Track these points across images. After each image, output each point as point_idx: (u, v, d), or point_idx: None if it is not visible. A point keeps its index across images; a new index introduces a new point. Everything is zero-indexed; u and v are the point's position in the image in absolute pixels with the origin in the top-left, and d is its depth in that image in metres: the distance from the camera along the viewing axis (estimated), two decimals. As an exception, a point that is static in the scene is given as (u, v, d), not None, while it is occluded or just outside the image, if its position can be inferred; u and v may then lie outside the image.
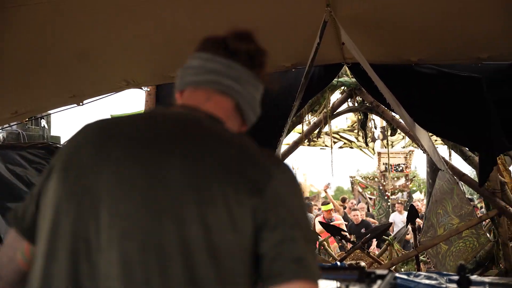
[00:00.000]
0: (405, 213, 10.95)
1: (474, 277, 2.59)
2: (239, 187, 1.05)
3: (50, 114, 7.01)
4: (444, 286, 2.28)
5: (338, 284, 1.46)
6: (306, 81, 4.15)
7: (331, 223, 8.76)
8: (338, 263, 2.57)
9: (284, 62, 4.64)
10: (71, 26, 3.68)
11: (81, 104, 5.25)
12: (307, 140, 6.84)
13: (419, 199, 17.14)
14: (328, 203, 9.77)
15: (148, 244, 1.00)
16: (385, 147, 12.41)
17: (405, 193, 17.28)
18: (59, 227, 1.06)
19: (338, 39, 3.98)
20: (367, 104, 6.10)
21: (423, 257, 6.33)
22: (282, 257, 1.02)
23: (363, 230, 8.81)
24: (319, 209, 11.48)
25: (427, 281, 2.36)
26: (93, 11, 3.52)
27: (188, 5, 3.65)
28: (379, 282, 1.55)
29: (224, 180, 1.05)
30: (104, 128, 1.16)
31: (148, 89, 5.40)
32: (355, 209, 10.41)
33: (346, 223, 9.96)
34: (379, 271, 1.61)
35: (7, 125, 6.10)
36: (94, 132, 1.15)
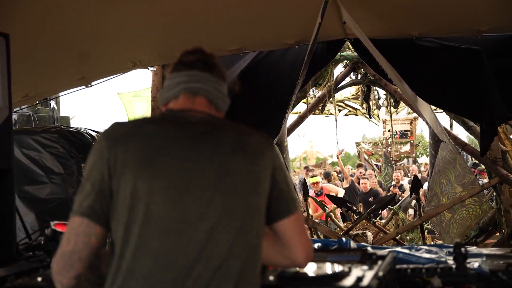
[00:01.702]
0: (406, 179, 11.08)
1: (472, 249, 2.71)
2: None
3: (60, 96, 7.13)
4: (443, 259, 2.39)
5: (341, 266, 1.59)
6: (309, 59, 4.23)
7: (320, 196, 8.94)
8: (344, 239, 2.70)
9: (288, 39, 4.70)
10: (78, 10, 3.75)
11: (89, 85, 5.35)
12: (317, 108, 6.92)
13: (425, 163, 17.21)
14: (315, 176, 9.94)
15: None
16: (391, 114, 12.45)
17: (410, 159, 17.43)
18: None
19: (340, 17, 4.04)
20: (370, 77, 6.17)
21: (428, 225, 6.48)
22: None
23: (371, 199, 8.95)
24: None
25: (427, 255, 2.48)
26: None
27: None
28: (379, 262, 1.68)
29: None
30: (161, 131, 1.51)
31: (155, 69, 5.48)
32: (364, 178, 10.50)
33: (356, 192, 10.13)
34: (380, 252, 1.74)
35: (18, 108, 6.23)
36: (153, 130, 1.50)
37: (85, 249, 1.45)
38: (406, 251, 2.59)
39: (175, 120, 1.54)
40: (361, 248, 2.13)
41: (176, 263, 1.40)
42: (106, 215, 1.46)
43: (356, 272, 1.57)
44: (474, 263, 2.33)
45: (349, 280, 1.48)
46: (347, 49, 5.93)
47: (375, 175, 14.19)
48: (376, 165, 17.80)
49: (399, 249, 2.64)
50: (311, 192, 9.50)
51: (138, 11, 3.95)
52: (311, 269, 1.63)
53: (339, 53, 5.84)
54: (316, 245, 2.81)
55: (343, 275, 1.52)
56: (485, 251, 2.74)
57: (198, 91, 1.63)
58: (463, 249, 2.00)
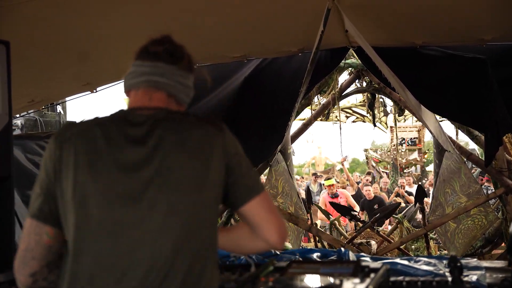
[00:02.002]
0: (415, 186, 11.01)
1: (472, 261, 2.69)
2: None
3: (66, 100, 7.17)
4: (441, 272, 2.37)
5: (332, 279, 1.57)
6: (312, 67, 4.22)
7: (336, 198, 8.94)
8: (342, 249, 2.69)
9: (291, 47, 4.71)
10: (82, 16, 3.77)
11: (94, 91, 5.38)
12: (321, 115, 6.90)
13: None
14: (330, 179, 9.91)
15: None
16: (398, 121, 12.41)
17: (418, 167, 17.32)
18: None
19: (343, 25, 4.03)
20: (375, 85, 6.15)
21: (433, 234, 6.43)
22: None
23: (375, 206, 8.90)
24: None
25: (426, 267, 2.46)
26: (103, 1, 3.61)
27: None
28: (372, 275, 1.66)
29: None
30: (106, 133, 1.50)
31: (159, 75, 5.49)
32: (367, 185, 10.46)
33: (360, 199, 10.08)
34: (373, 265, 1.73)
35: (25, 112, 6.28)
36: (99, 133, 1.49)
37: (37, 247, 1.51)
38: (405, 262, 2.58)
39: (123, 121, 1.53)
40: (354, 260, 2.12)
41: (117, 265, 1.40)
42: (55, 215, 1.50)
43: (347, 285, 1.55)
44: (473, 276, 2.31)
45: (338, 294, 1.46)
46: (352, 57, 5.92)
47: (383, 182, 14.11)
48: (384, 172, 17.70)
49: (398, 260, 2.62)
50: (326, 194, 9.47)
51: (142, 17, 3.97)
52: (302, 281, 1.62)
53: (343, 61, 5.83)
54: (315, 255, 2.80)
55: (333, 288, 1.50)
56: (485, 263, 2.72)
57: (159, 86, 1.60)
58: (460, 262, 1.97)
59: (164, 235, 1.42)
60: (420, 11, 3.97)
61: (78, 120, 1.62)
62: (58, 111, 8.22)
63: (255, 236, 1.56)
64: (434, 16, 4.04)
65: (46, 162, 1.52)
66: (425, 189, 8.64)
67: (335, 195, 9.23)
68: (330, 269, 1.70)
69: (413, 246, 6.42)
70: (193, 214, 1.46)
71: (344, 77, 6.44)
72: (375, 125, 7.28)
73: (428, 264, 2.57)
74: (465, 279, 2.20)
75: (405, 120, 13.46)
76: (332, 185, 9.45)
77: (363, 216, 7.53)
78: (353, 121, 10.92)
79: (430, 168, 20.06)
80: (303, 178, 19.52)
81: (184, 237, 1.43)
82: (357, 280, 1.63)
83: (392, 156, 16.83)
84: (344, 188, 10.63)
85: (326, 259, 2.46)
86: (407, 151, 17.44)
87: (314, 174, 16.09)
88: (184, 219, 1.44)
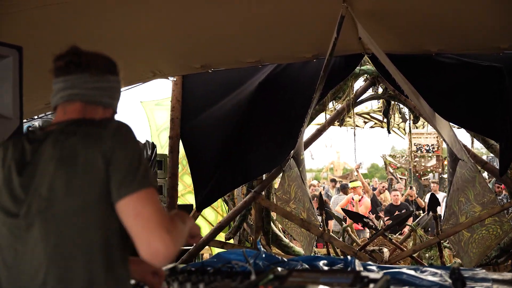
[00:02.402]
0: (441, 193, 10.90)
1: (481, 273, 2.66)
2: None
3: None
4: (447, 283, 2.36)
5: (330, 289, 1.57)
6: (325, 74, 4.22)
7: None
8: (349, 257, 2.68)
9: (305, 53, 4.71)
10: (99, 21, 3.83)
11: (110, 94, 5.44)
12: (336, 120, 6.90)
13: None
14: (356, 180, 9.89)
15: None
16: (416, 128, 12.31)
17: (436, 174, 17.14)
18: None
19: (357, 32, 4.03)
20: (390, 92, 6.12)
21: (446, 243, 6.37)
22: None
23: (404, 211, 8.79)
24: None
25: (431, 278, 2.44)
26: (119, 5, 3.66)
27: (211, 1, 3.75)
28: (371, 286, 1.66)
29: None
30: (4, 153, 1.58)
31: (175, 79, 5.54)
32: (395, 190, 10.32)
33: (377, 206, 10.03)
34: (373, 275, 1.72)
35: (42, 114, 6.36)
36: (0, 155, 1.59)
37: None
38: (411, 272, 2.57)
39: (21, 142, 1.59)
40: (355, 270, 2.11)
41: (8, 276, 1.50)
42: None
43: (345, 295, 1.56)
44: (478, 288, 2.29)
45: (335, 304, 1.46)
46: (367, 63, 5.91)
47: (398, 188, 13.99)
48: (402, 179, 17.55)
49: (404, 270, 2.61)
50: (351, 196, 9.42)
51: (158, 22, 4.01)
52: (301, 290, 1.62)
53: (359, 67, 5.82)
54: (321, 262, 2.80)
55: (329, 298, 1.51)
56: (493, 275, 2.69)
57: (73, 98, 1.62)
58: (461, 274, 1.96)
59: (41, 244, 1.46)
60: (435, 19, 3.95)
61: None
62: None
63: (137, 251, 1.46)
64: (450, 24, 4.01)
65: None
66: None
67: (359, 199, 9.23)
68: (330, 278, 1.70)
69: (426, 255, 6.36)
70: (69, 219, 1.45)
71: (359, 83, 6.43)
72: (389, 132, 7.24)
73: (434, 274, 2.56)
74: (470, 291, 2.18)
75: (423, 127, 13.35)
76: (358, 187, 9.44)
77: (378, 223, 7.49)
78: (371, 127, 10.88)
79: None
80: (318, 182, 19.48)
81: (61, 244, 1.45)
82: (355, 291, 1.63)
83: (409, 162, 16.68)
84: (366, 191, 10.63)
85: (327, 269, 2.46)
86: (426, 157, 17.27)
87: (333, 180, 16.03)
88: (58, 226, 1.46)
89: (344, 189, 10.63)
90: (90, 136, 1.51)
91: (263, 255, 2.72)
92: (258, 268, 2.56)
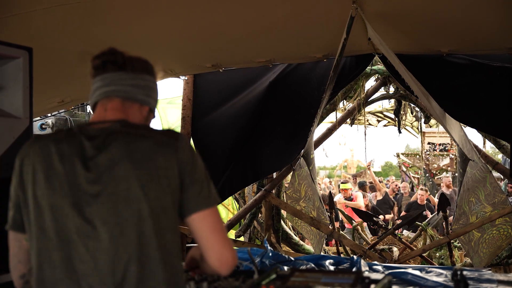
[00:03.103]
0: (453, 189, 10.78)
1: (487, 273, 2.67)
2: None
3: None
4: (451, 284, 2.38)
5: (331, 289, 1.60)
6: (335, 74, 4.24)
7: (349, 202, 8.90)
8: (355, 257, 2.70)
9: (316, 53, 4.73)
10: (111, 21, 3.88)
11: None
12: (349, 119, 6.91)
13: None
14: (347, 182, 9.89)
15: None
16: (430, 126, 12.24)
17: (449, 173, 17.02)
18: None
19: (366, 32, 4.03)
20: (401, 92, 6.11)
21: (457, 243, 6.35)
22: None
23: (425, 213, 8.73)
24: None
25: (436, 278, 2.46)
26: (130, 5, 3.70)
27: (221, 0, 3.78)
28: (372, 286, 1.69)
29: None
30: (59, 148, 1.59)
31: (186, 78, 5.58)
32: (422, 189, 10.21)
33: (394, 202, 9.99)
34: (375, 276, 1.75)
35: (56, 112, 6.46)
36: (54, 149, 1.59)
37: (20, 252, 1.67)
38: (416, 272, 2.58)
39: (78, 137, 1.61)
40: (357, 271, 2.14)
41: (77, 271, 1.51)
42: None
43: (346, 296, 1.58)
44: (483, 290, 2.30)
45: (334, 305, 1.49)
46: (378, 63, 5.90)
47: (411, 188, 13.94)
48: (414, 177, 17.50)
49: (410, 270, 2.63)
50: (339, 198, 9.42)
51: (169, 22, 4.05)
52: (303, 290, 1.65)
53: (370, 67, 5.82)
54: (327, 262, 2.83)
55: (330, 299, 1.53)
56: (500, 277, 2.69)
57: (111, 94, 1.67)
58: (463, 275, 1.97)
59: (116, 243, 1.50)
60: (446, 19, 3.94)
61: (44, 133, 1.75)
62: (87, 111, 8.46)
63: (204, 257, 1.59)
64: (461, 24, 4.00)
65: (13, 178, 1.64)
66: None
67: (349, 199, 9.21)
68: (331, 279, 1.73)
69: (437, 254, 6.35)
70: (141, 223, 1.51)
71: (370, 83, 6.43)
72: (400, 131, 7.23)
73: (439, 275, 2.57)
74: (474, 292, 2.20)
75: (437, 126, 13.28)
76: (348, 189, 9.43)
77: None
78: (385, 125, 10.85)
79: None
80: (330, 180, 19.45)
81: (136, 245, 1.50)
82: (357, 291, 1.66)
83: (423, 161, 16.61)
84: (379, 189, 10.58)
85: (329, 269, 2.48)
86: (439, 156, 17.18)
87: (347, 179, 16.00)
88: (132, 227, 1.51)
89: (362, 187, 10.64)
90: (166, 144, 1.57)
91: (270, 254, 2.76)
92: (264, 267, 2.59)
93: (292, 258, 2.85)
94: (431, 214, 8.37)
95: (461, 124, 4.99)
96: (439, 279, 2.46)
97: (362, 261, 2.69)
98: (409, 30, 4.18)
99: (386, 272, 2.50)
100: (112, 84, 1.67)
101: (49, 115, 6.37)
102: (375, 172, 21.46)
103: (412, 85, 4.12)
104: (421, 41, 4.36)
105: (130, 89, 1.68)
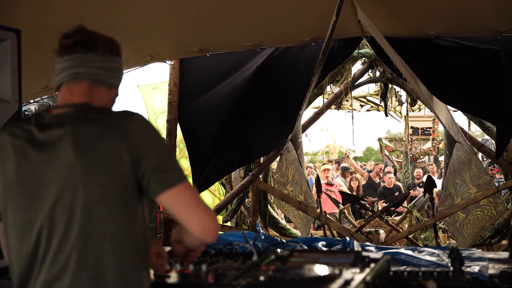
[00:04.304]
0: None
1: (477, 252, 2.71)
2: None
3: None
4: (444, 262, 2.40)
5: (332, 269, 1.61)
6: (323, 57, 4.22)
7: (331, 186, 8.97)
8: (348, 239, 2.72)
9: (304, 36, 4.70)
10: (96, 3, 3.81)
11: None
12: (334, 104, 6.92)
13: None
14: (325, 164, 9.97)
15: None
16: (412, 111, 12.31)
17: (431, 157, 17.22)
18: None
19: (356, 15, 4.03)
20: (388, 75, 6.14)
21: (442, 225, 6.44)
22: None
23: (397, 193, 8.92)
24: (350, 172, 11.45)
25: (429, 258, 2.48)
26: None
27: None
28: (372, 265, 1.70)
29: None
30: (13, 138, 1.59)
31: (172, 63, 5.53)
32: (389, 172, 10.43)
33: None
34: (374, 255, 1.76)
35: (39, 98, 6.35)
36: (8, 140, 1.59)
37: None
38: (409, 252, 2.60)
39: (32, 126, 1.60)
40: (355, 251, 2.15)
41: (30, 257, 1.53)
42: None
43: (347, 274, 1.59)
44: (475, 267, 2.33)
45: (337, 284, 1.50)
46: (365, 47, 5.91)
47: (394, 172, 14.07)
48: (397, 162, 17.65)
49: (402, 250, 2.65)
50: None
51: (156, 5, 3.99)
52: (303, 270, 1.66)
53: (357, 51, 5.82)
54: (320, 244, 2.84)
55: (331, 278, 1.54)
56: (489, 255, 2.73)
57: (79, 76, 1.63)
58: (460, 254, 2.00)
59: (66, 233, 1.50)
60: (434, 2, 3.96)
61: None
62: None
63: (188, 230, 1.59)
64: (449, 7, 4.01)
65: None
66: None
67: (330, 184, 9.27)
68: (331, 259, 1.73)
69: (422, 236, 6.43)
70: (91, 209, 1.50)
71: (357, 66, 6.44)
72: (387, 115, 7.27)
73: (431, 254, 2.60)
74: (467, 269, 2.22)
75: (419, 110, 13.37)
76: (327, 169, 9.49)
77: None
78: (368, 110, 10.90)
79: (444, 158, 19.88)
80: (315, 166, 19.55)
81: (84, 233, 1.49)
82: (357, 270, 1.67)
83: (405, 145, 16.76)
84: (361, 175, 10.69)
85: (328, 249, 2.50)
86: (420, 140, 17.34)
87: (330, 161, 16.09)
88: (81, 215, 1.49)
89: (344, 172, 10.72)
90: (115, 128, 1.54)
91: (262, 237, 2.76)
92: (257, 249, 2.59)
93: (284, 241, 2.86)
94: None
95: (448, 106, 5.03)
96: (433, 258, 2.49)
97: (355, 242, 2.70)
98: (397, 12, 4.18)
99: (381, 253, 2.52)
100: (82, 65, 1.63)
101: (31, 101, 6.25)
102: (356, 157, 21.60)
103: (401, 68, 4.13)
104: (409, 23, 4.37)
105: (100, 71, 1.65)
